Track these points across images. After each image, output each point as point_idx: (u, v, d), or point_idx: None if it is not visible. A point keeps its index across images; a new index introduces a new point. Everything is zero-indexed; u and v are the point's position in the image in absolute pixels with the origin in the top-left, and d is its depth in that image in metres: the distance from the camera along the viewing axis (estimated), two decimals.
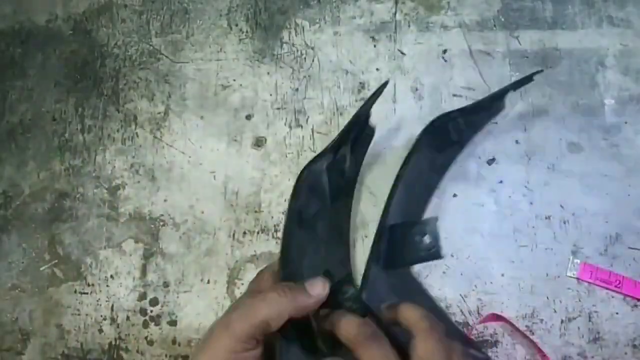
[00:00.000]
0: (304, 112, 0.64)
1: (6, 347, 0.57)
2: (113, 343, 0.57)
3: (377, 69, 0.65)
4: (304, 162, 0.53)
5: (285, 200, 0.61)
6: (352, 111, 0.63)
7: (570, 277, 0.57)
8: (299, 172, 0.47)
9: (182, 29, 0.67)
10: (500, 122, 0.62)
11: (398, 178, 0.55)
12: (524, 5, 0.67)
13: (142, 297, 0.59)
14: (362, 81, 0.65)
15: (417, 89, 0.64)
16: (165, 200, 0.61)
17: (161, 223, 0.60)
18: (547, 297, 0.57)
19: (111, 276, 0.59)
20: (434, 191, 0.60)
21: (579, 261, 0.57)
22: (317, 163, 0.50)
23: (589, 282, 0.57)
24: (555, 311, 0.56)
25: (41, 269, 0.59)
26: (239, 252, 0.60)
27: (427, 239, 0.52)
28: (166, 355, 0.57)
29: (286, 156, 0.63)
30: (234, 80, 0.65)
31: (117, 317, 0.58)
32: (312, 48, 0.66)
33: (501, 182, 0.60)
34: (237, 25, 0.67)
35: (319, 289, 0.41)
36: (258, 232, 0.60)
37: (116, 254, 0.59)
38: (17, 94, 0.65)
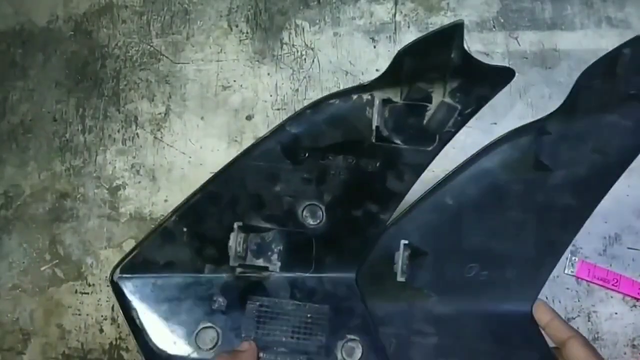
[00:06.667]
0: None
1: (7, 347, 0.57)
2: (114, 343, 0.57)
3: (377, 70, 0.65)
4: None
5: None
6: None
7: (569, 275, 0.57)
8: None
9: (183, 29, 0.67)
10: (499, 122, 0.62)
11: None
12: (523, 6, 0.67)
13: None
14: (362, 82, 0.65)
15: None
16: (165, 201, 0.61)
17: None
18: (547, 297, 0.57)
19: None
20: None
21: (576, 259, 0.58)
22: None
23: (587, 281, 0.57)
24: None
25: (42, 269, 0.59)
26: None
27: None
28: None
29: None
30: (234, 81, 0.65)
31: (118, 317, 0.58)
32: (312, 49, 0.66)
33: None
34: (237, 26, 0.68)
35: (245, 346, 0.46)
36: None
37: (117, 254, 0.59)
38: (18, 95, 0.66)
